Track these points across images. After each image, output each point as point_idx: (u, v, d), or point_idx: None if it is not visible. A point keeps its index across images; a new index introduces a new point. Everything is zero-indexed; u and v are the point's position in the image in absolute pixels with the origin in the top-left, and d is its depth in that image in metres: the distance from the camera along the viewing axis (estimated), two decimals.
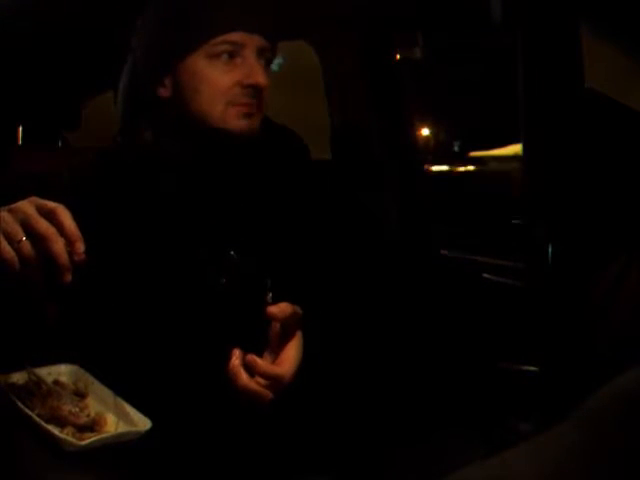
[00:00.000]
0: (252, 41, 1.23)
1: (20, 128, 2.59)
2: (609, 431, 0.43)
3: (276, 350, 1.14)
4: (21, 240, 0.93)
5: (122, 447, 1.01)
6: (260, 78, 1.23)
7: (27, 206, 0.96)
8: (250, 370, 1.11)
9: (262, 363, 1.11)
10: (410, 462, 1.28)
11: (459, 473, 0.44)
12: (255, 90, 1.23)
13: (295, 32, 1.95)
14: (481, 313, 1.69)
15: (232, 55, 1.23)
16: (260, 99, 1.25)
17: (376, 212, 1.91)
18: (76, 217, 0.97)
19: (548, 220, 1.33)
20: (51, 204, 0.96)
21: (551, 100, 1.32)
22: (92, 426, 1.02)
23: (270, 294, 1.21)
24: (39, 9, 1.95)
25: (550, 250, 1.29)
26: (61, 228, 0.95)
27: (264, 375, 1.11)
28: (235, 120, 1.23)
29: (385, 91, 1.91)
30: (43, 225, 0.94)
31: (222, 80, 1.22)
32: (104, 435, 1.01)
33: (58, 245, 0.94)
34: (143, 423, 1.04)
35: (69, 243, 0.95)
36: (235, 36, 1.22)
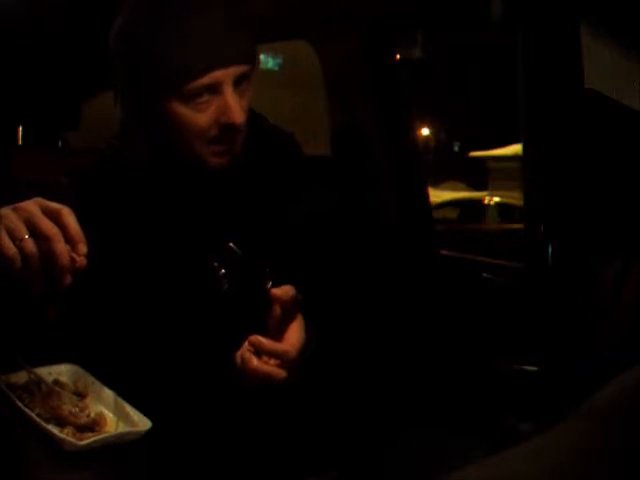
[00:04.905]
0: (228, 74, 1.16)
1: (20, 128, 2.60)
2: (609, 431, 0.43)
3: (277, 333, 1.15)
4: (24, 238, 0.93)
5: (122, 447, 1.01)
6: (236, 117, 1.17)
7: (32, 206, 0.96)
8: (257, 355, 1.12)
9: (266, 341, 1.12)
10: (410, 462, 1.28)
11: (459, 473, 0.44)
12: (233, 128, 1.18)
13: (295, 32, 1.96)
14: (481, 313, 1.69)
15: (209, 93, 1.17)
16: (239, 135, 1.20)
17: (376, 211, 1.92)
18: (78, 221, 0.98)
19: (548, 220, 1.33)
20: (56, 205, 0.97)
21: (551, 100, 1.32)
22: (92, 426, 1.02)
23: (270, 283, 1.21)
24: (39, 9, 1.95)
25: (550, 250, 1.29)
26: (65, 229, 0.95)
27: (270, 352, 1.12)
28: (214, 158, 1.21)
29: (385, 91, 1.91)
30: (47, 224, 0.95)
31: (199, 121, 1.18)
32: (104, 435, 1.01)
33: (60, 245, 0.94)
34: (143, 423, 1.04)
35: (72, 244, 0.96)
36: (209, 77, 1.15)
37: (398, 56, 1.95)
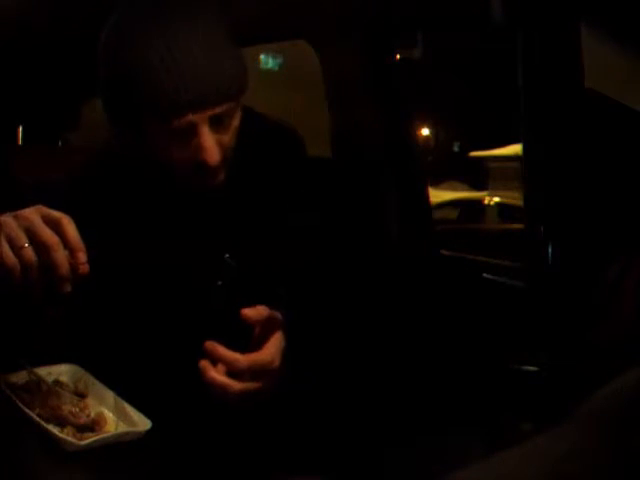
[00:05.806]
0: (204, 116, 1.13)
1: (20, 128, 2.60)
2: (609, 431, 0.43)
3: (255, 350, 1.14)
4: (24, 246, 0.94)
5: (122, 447, 1.01)
6: (210, 159, 1.14)
7: (32, 214, 0.96)
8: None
9: (221, 349, 1.09)
10: (410, 462, 1.28)
11: (459, 473, 0.44)
12: (207, 168, 1.16)
13: (295, 32, 1.96)
14: (481, 313, 1.69)
15: (188, 132, 1.14)
16: (217, 170, 1.18)
17: (376, 212, 1.91)
18: (77, 225, 0.98)
19: (548, 220, 1.33)
20: (56, 214, 0.97)
21: (551, 100, 1.32)
22: (92, 426, 1.03)
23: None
24: (39, 10, 1.95)
25: (550, 250, 1.29)
26: (65, 238, 0.96)
27: (221, 359, 1.10)
28: (196, 184, 1.19)
29: (385, 91, 1.91)
30: (47, 233, 0.95)
31: (178, 155, 1.15)
32: (104, 435, 1.01)
33: (60, 254, 0.95)
34: (143, 423, 1.04)
35: (72, 253, 0.96)
36: (183, 120, 1.12)
37: (398, 56, 1.95)
